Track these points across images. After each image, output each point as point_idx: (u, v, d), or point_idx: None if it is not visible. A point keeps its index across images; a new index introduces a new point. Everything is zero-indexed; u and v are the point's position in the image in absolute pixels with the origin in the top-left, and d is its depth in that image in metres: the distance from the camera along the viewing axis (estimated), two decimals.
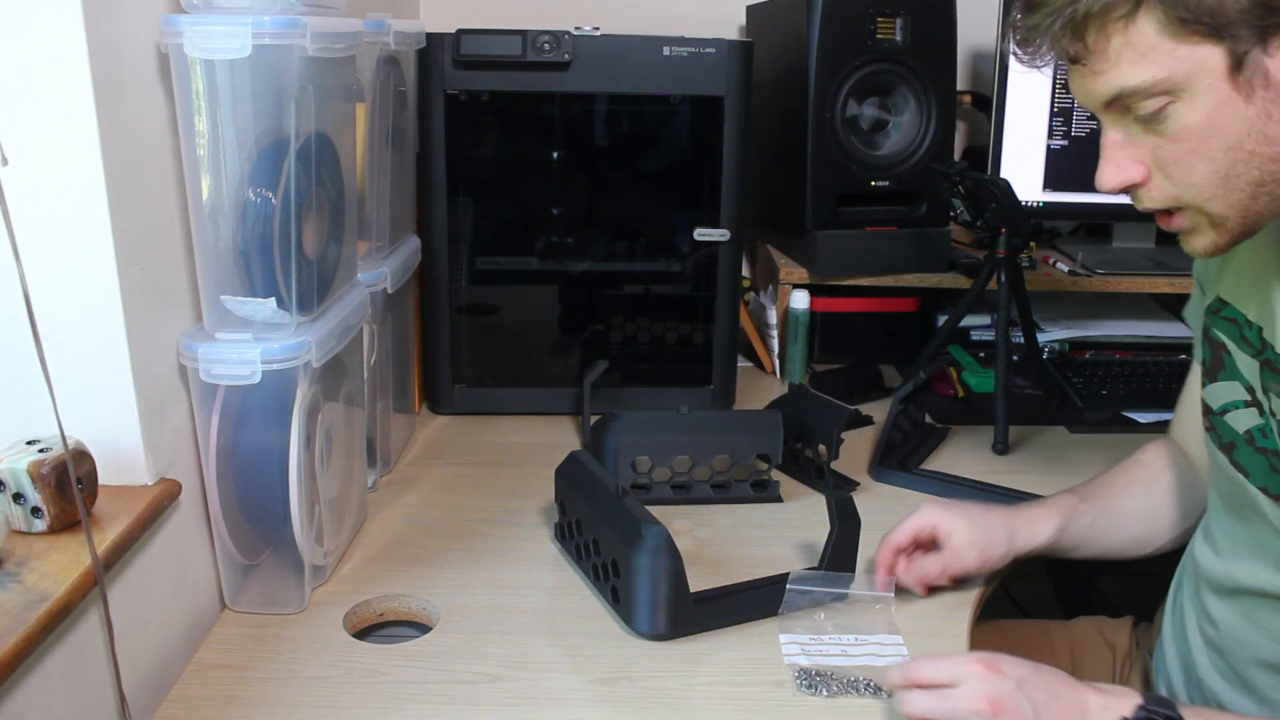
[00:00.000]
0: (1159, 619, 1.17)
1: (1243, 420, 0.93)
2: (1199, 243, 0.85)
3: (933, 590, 1.09)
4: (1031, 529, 1.10)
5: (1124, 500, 1.13)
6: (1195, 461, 1.11)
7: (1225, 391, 0.96)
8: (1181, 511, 1.11)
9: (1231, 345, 0.96)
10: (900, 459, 1.37)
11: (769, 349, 1.73)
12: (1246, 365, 0.94)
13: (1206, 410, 0.99)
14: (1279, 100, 0.76)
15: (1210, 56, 0.76)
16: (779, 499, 1.30)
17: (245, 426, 0.99)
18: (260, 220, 0.95)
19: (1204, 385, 1.00)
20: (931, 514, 1.08)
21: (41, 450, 0.85)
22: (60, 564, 0.82)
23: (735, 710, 0.92)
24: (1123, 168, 0.83)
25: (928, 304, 1.75)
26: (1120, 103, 0.80)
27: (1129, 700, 0.83)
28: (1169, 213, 0.85)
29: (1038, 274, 1.69)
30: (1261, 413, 0.91)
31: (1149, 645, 1.19)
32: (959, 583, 1.09)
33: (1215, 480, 1.00)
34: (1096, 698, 0.84)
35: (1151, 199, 0.84)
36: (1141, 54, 0.77)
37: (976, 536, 1.07)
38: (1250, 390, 0.93)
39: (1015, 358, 1.55)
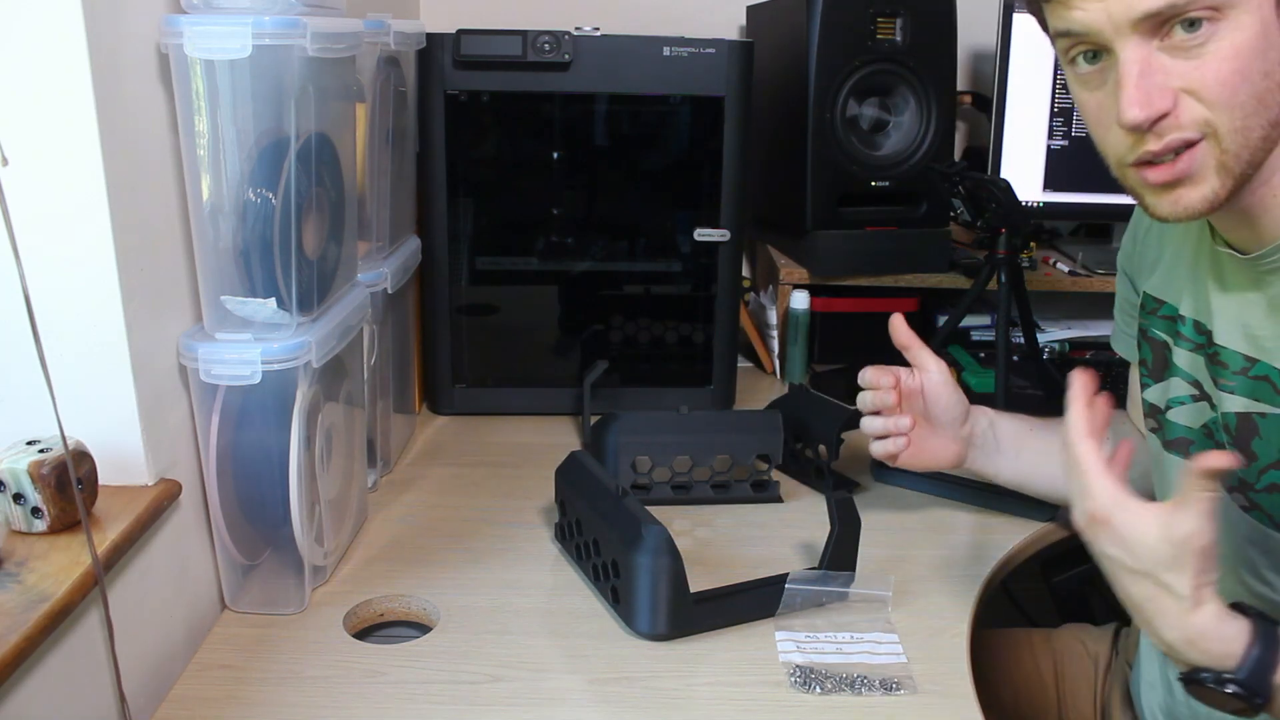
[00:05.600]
0: (1136, 626, 1.17)
1: (1194, 415, 0.94)
2: (1194, 194, 0.80)
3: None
4: (974, 408, 1.17)
5: (1058, 432, 1.14)
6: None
7: (1170, 389, 0.96)
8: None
9: (1170, 341, 0.96)
10: None
11: (769, 349, 1.73)
12: (1187, 360, 0.94)
13: (1153, 410, 0.99)
14: None
15: None
16: (779, 499, 1.30)
17: (245, 426, 0.99)
18: (260, 220, 0.95)
19: (1147, 386, 1.00)
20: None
21: (41, 450, 0.85)
22: (60, 564, 0.82)
23: (735, 710, 0.92)
24: (1152, 97, 0.76)
25: (928, 304, 1.75)
26: (1157, 19, 0.75)
27: (1228, 648, 0.77)
28: (1177, 155, 0.78)
29: (1038, 274, 1.69)
30: (1212, 406, 0.91)
31: (1129, 655, 1.18)
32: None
33: (1169, 489, 0.99)
34: (1206, 622, 0.78)
35: (1180, 127, 0.77)
36: None
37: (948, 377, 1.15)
38: (1196, 384, 0.93)
39: (1015, 358, 1.55)
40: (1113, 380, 1.60)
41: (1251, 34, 0.75)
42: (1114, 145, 0.81)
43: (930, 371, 1.15)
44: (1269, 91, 0.76)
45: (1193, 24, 0.75)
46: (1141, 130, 0.78)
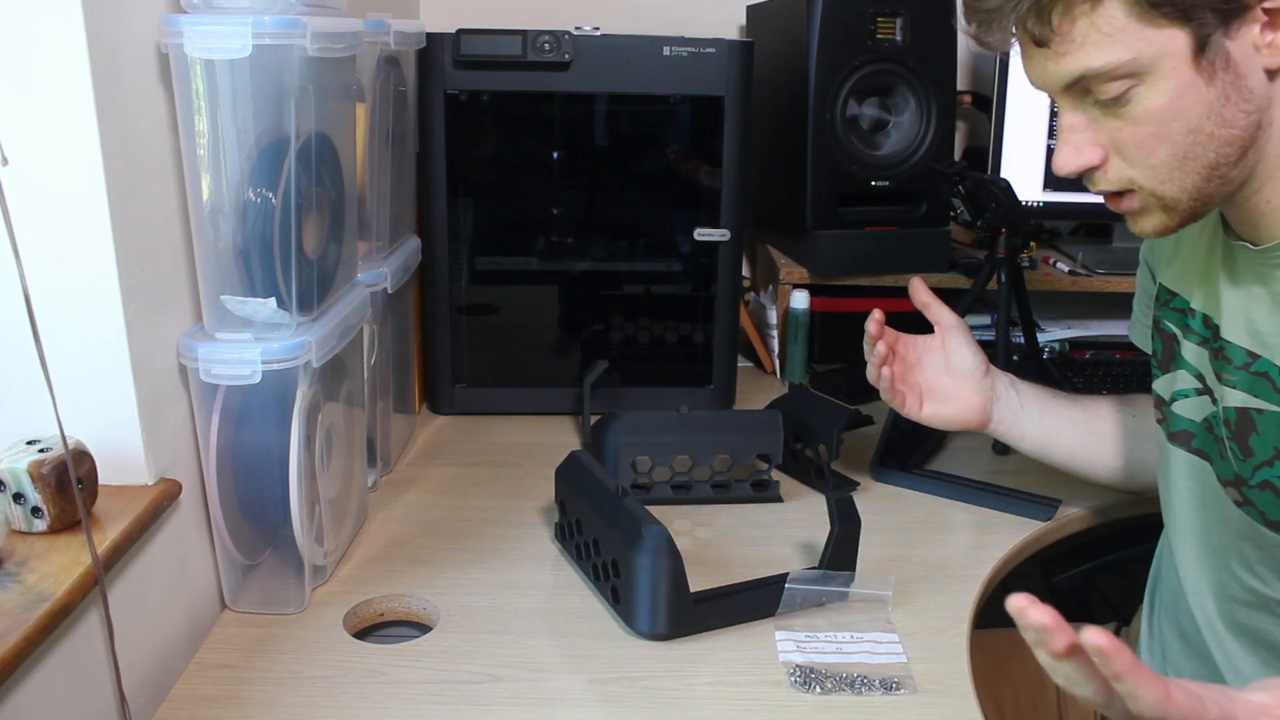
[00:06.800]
0: (1136, 626, 1.17)
1: (1196, 409, 0.95)
2: (1148, 224, 0.86)
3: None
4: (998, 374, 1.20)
5: (1079, 403, 1.20)
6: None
7: (1176, 381, 0.97)
8: (1126, 440, 1.16)
9: (1179, 334, 0.97)
10: (900, 459, 1.37)
11: (769, 349, 1.73)
12: (1193, 353, 0.95)
13: (1159, 402, 1.01)
14: (1237, 83, 0.78)
15: (1175, 39, 0.77)
16: (779, 499, 1.30)
17: (245, 426, 0.99)
18: (260, 220, 0.95)
19: (1156, 378, 1.01)
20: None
21: (41, 450, 0.85)
22: (60, 564, 0.82)
23: (735, 710, 0.92)
24: (1081, 151, 0.84)
25: None
26: (1081, 85, 0.80)
27: None
28: (1119, 194, 0.85)
29: (1038, 274, 1.69)
30: (1214, 400, 0.92)
31: None
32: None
33: (1170, 479, 1.00)
34: None
35: (1107, 181, 0.85)
36: (1108, 36, 0.77)
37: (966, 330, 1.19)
38: (1200, 378, 0.94)
39: (1015, 358, 1.54)
40: (1112, 379, 1.60)
41: (1168, 98, 0.78)
42: None
43: (947, 324, 1.18)
44: (1196, 145, 0.80)
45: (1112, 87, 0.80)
46: (1072, 178, 0.85)
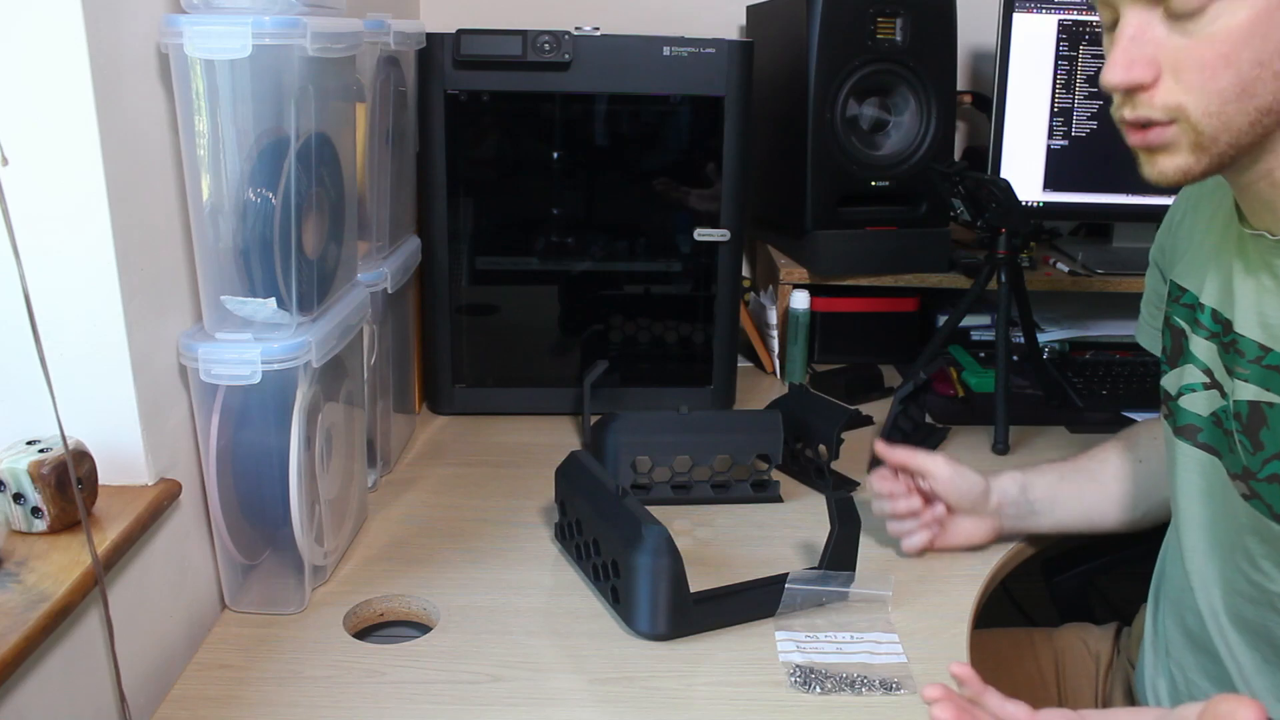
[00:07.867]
0: (1138, 625, 1.17)
1: (1204, 403, 0.94)
2: (1170, 164, 0.81)
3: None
4: (1001, 477, 1.17)
5: (1087, 469, 1.18)
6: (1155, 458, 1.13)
7: (1183, 375, 0.97)
8: (1136, 490, 1.16)
9: (1188, 329, 0.97)
10: None
11: (769, 349, 1.73)
12: (1202, 348, 0.94)
13: (1165, 397, 1.00)
14: None
15: None
16: (779, 499, 1.30)
17: (245, 426, 0.99)
18: (260, 220, 0.95)
19: (1164, 373, 1.01)
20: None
21: (41, 450, 0.85)
22: (60, 564, 0.82)
23: (735, 710, 0.92)
24: (1134, 65, 0.77)
25: (928, 304, 1.75)
26: None
27: None
28: (1150, 125, 0.80)
29: (1038, 274, 1.69)
30: (1223, 394, 0.91)
31: (1130, 654, 1.18)
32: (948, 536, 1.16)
33: (1176, 472, 1.00)
34: None
35: (1151, 106, 0.78)
36: None
37: (956, 469, 1.15)
38: (1208, 372, 0.94)
39: (1015, 358, 1.55)
40: (1112, 380, 1.60)
41: (1247, 18, 0.74)
42: (1114, 100, 0.83)
43: (935, 474, 1.15)
44: (1258, 81, 0.76)
45: None
46: (1118, 92, 0.80)
